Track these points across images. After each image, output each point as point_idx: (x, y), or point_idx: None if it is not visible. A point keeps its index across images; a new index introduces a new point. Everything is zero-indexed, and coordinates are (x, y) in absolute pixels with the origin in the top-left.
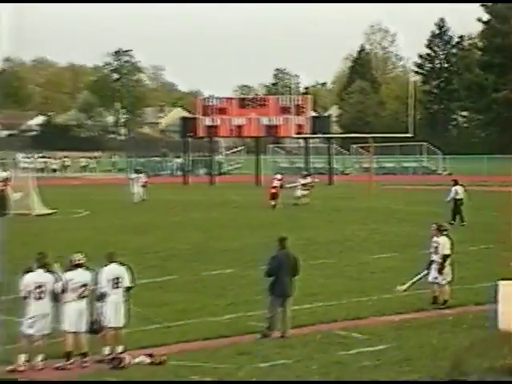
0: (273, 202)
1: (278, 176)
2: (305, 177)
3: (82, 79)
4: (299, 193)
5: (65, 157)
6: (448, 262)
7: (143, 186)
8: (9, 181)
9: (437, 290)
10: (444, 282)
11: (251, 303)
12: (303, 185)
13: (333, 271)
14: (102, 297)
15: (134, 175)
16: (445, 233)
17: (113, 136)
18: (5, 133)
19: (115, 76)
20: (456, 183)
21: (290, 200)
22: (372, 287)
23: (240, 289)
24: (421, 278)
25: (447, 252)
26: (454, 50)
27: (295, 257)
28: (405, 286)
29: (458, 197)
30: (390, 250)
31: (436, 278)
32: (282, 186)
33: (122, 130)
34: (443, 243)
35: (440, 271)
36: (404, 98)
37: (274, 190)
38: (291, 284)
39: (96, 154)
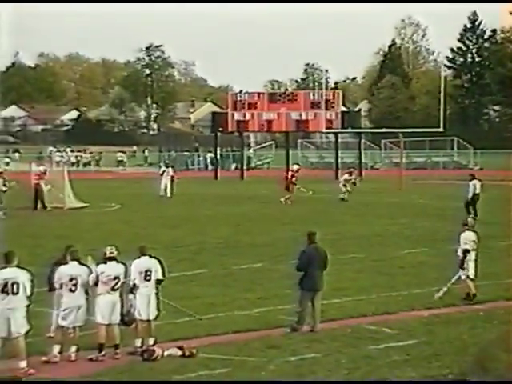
0: (287, 196)
1: (295, 167)
2: (350, 173)
3: (114, 74)
4: (343, 189)
5: (99, 152)
6: (469, 256)
7: (171, 181)
8: (44, 174)
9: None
10: (463, 277)
11: (281, 297)
12: (346, 180)
13: (362, 266)
14: (133, 289)
15: (162, 169)
16: (466, 227)
17: (144, 131)
18: (39, 127)
19: (146, 71)
20: (473, 178)
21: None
22: (401, 282)
23: (269, 283)
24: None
25: (466, 247)
26: (486, 44)
27: (324, 251)
28: (441, 293)
29: (475, 191)
30: (420, 245)
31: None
32: (292, 179)
33: (154, 125)
34: (463, 238)
35: (461, 266)
36: (435, 92)
37: (288, 181)
38: (321, 278)
39: (128, 148)
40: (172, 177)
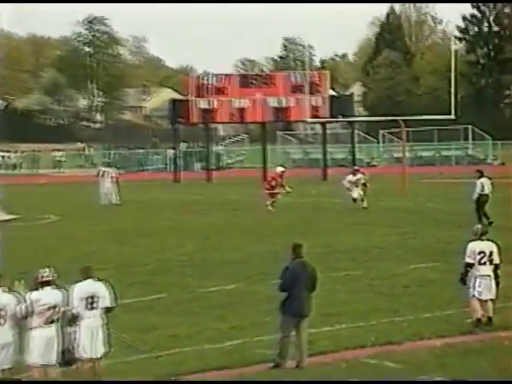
0: (269, 203)
1: (280, 169)
2: (355, 172)
3: (45, 54)
4: (356, 193)
5: (32, 150)
6: (477, 272)
7: (116, 184)
8: None
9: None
10: (471, 296)
11: (259, 326)
12: (353, 182)
13: (358, 285)
14: (74, 320)
15: (101, 170)
16: (474, 237)
17: (86, 124)
18: None
19: (87, 50)
20: (481, 175)
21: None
22: (407, 305)
23: (245, 308)
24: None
25: (468, 260)
26: (506, 10)
27: (313, 268)
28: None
29: (483, 192)
30: (429, 259)
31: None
32: (276, 183)
33: (98, 117)
34: (468, 250)
35: (463, 283)
36: (444, 71)
37: (268, 187)
38: (308, 301)
39: (67, 145)
40: (116, 178)
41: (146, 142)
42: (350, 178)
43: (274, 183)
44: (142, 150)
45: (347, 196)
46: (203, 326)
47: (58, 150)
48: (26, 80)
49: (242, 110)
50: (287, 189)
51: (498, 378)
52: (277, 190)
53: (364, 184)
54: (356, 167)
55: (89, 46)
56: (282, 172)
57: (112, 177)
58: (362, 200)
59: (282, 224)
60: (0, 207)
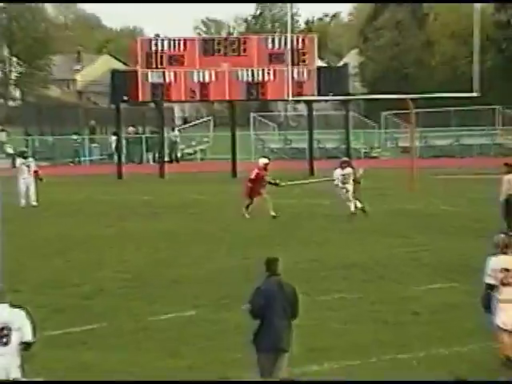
0: (247, 203)
1: (263, 161)
2: (343, 165)
3: None
4: (350, 194)
5: None
6: (499, 295)
7: (35, 180)
8: None
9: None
10: (499, 327)
11: (226, 364)
12: (345, 178)
13: (355, 312)
14: None
15: (18, 162)
16: (496, 250)
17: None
18: None
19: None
20: (510, 170)
21: (284, 200)
22: (417, 337)
23: (207, 341)
24: None
25: (489, 280)
26: None
27: (292, 288)
28: None
29: (510, 191)
30: (445, 278)
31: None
32: (263, 179)
33: (14, 92)
34: (489, 267)
35: (485, 307)
36: (465, 35)
37: (250, 184)
38: (287, 331)
39: None
40: (35, 173)
41: (78, 125)
42: (339, 172)
43: (253, 183)
44: (75, 137)
45: (341, 196)
46: (153, 365)
47: None
48: None
49: (204, 86)
50: (277, 181)
51: (497, 378)
52: (255, 186)
53: (356, 181)
54: (345, 159)
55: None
56: (266, 165)
57: (33, 171)
58: (354, 202)
59: (255, 232)
60: None
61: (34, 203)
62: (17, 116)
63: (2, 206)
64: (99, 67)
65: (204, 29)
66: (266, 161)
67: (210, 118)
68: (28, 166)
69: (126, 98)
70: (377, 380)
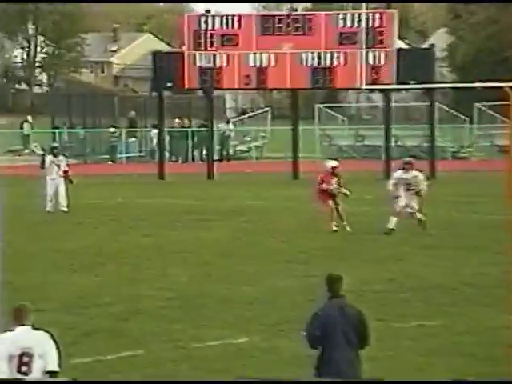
0: (328, 210)
1: (331, 163)
2: (406, 167)
3: None
4: (402, 203)
5: None
6: None
7: (65, 181)
8: None
9: None
10: None
11: None
12: (408, 184)
13: (438, 343)
14: None
15: (48, 160)
16: None
17: (22, 87)
18: None
19: None
20: None
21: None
22: None
23: (260, 374)
24: None
25: None
26: None
27: (357, 312)
28: None
29: None
30: None
31: None
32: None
33: (40, 76)
34: None
35: None
36: None
37: (324, 188)
38: (352, 364)
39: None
40: (65, 173)
41: (114, 116)
42: (399, 175)
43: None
44: (112, 130)
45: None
46: None
47: None
48: None
49: (261, 71)
50: (344, 191)
51: (497, 378)
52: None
53: (417, 191)
54: (408, 159)
55: None
56: (334, 168)
57: (63, 171)
58: (397, 214)
59: (320, 245)
60: None
61: (64, 208)
62: (43, 104)
63: (20, 210)
64: (139, 48)
65: (262, 4)
66: (334, 163)
67: (267, 109)
68: (58, 166)
69: (170, 84)
70: (378, 380)
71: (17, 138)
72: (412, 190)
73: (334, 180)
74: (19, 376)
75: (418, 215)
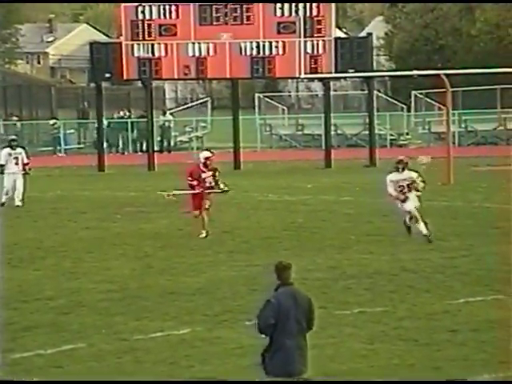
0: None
1: (205, 154)
2: (398, 166)
3: None
4: (411, 205)
5: None
6: None
7: (25, 173)
8: None
9: None
10: None
11: None
12: (403, 185)
13: (380, 329)
14: None
15: (4, 153)
16: None
17: None
18: None
19: None
20: None
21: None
22: (454, 359)
23: (205, 365)
24: None
25: None
26: None
27: (308, 298)
28: None
29: None
30: (488, 289)
31: None
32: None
33: None
34: None
35: None
36: None
37: (194, 184)
38: (301, 352)
39: None
40: (25, 166)
41: (50, 107)
42: (394, 177)
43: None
44: (51, 122)
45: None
46: None
47: None
48: None
49: (200, 61)
50: (221, 187)
51: (497, 378)
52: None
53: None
54: (400, 158)
55: None
56: (207, 159)
57: (23, 164)
58: (417, 219)
59: (262, 235)
60: None
61: (19, 203)
62: None
63: None
64: (76, 39)
65: None
66: (208, 154)
67: (207, 99)
68: (16, 158)
69: (108, 75)
70: (378, 380)
71: None
72: (409, 190)
73: (208, 174)
74: None
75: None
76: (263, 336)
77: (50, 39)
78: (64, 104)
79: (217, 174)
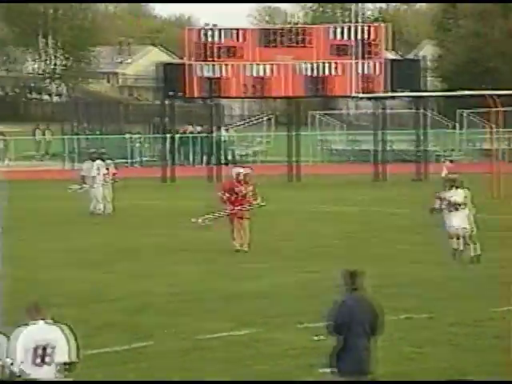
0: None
1: (237, 171)
2: (447, 183)
3: None
4: (458, 221)
5: None
6: None
7: (113, 182)
8: None
9: None
10: None
11: None
12: (454, 204)
13: (429, 335)
14: (12, 377)
15: (95, 164)
16: None
17: (38, 97)
18: None
19: None
20: None
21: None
22: (502, 364)
23: (262, 365)
24: None
25: None
26: None
27: (375, 305)
28: None
29: None
30: None
31: None
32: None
33: (57, 87)
34: None
35: None
36: None
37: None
38: (369, 352)
39: (10, 127)
40: (114, 175)
41: (129, 123)
42: (445, 195)
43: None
44: (126, 136)
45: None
46: None
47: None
48: None
49: (261, 81)
50: (258, 201)
51: (497, 378)
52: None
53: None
54: (452, 176)
55: None
56: (238, 175)
57: (112, 173)
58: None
59: (317, 243)
60: None
61: (109, 211)
62: (61, 112)
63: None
64: (144, 60)
65: (259, 17)
66: (241, 170)
67: (269, 116)
68: (106, 169)
69: (171, 93)
70: (378, 380)
71: (31, 144)
72: (460, 209)
73: (241, 188)
74: (38, 369)
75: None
76: (334, 336)
77: (128, 60)
78: (132, 119)
79: (249, 188)
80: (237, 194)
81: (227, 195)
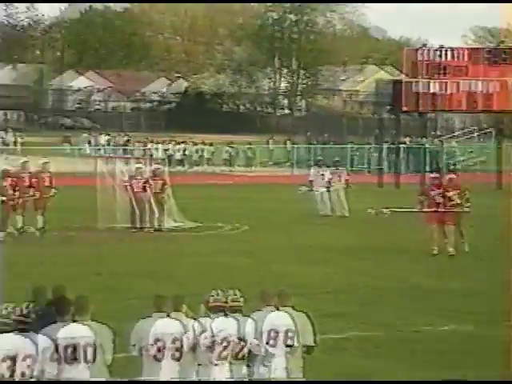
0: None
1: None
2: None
3: (221, 20)
4: None
5: (202, 143)
6: None
7: (346, 187)
8: (157, 179)
9: None
10: None
11: None
12: None
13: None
14: (252, 359)
15: (327, 171)
16: None
17: (274, 111)
18: (128, 105)
19: (290, 17)
20: None
21: None
22: None
23: (488, 358)
24: None
25: None
26: None
27: None
28: None
29: None
30: None
31: None
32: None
33: (299, 102)
34: None
35: None
36: None
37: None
38: None
39: (249, 137)
40: (347, 181)
41: (360, 134)
42: None
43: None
44: (355, 146)
45: None
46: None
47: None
48: (199, 54)
49: (488, 97)
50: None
51: (497, 378)
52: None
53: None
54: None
55: (290, 13)
56: (450, 180)
57: (345, 179)
58: None
59: None
60: (176, 211)
61: (346, 214)
62: (296, 126)
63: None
64: (363, 77)
65: (473, 36)
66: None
67: (491, 129)
68: (322, 175)
69: (389, 107)
70: (378, 380)
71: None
72: None
73: (437, 192)
74: (278, 349)
75: None
76: None
77: (361, 78)
78: (360, 132)
79: (455, 193)
80: (433, 197)
81: (422, 197)
